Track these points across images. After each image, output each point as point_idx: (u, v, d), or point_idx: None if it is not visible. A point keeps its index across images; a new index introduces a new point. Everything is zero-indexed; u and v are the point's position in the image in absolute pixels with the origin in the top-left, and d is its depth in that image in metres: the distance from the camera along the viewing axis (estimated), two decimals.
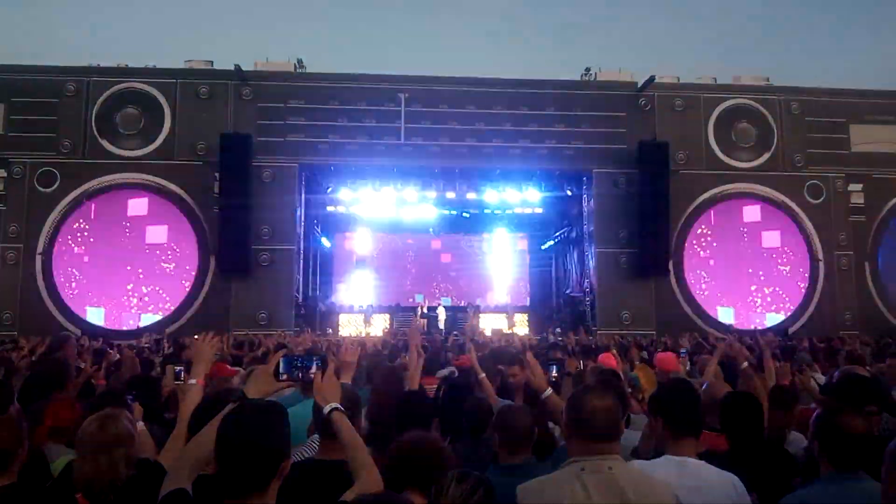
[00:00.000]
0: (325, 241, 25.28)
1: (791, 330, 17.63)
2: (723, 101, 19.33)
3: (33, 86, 17.87)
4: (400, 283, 25.68)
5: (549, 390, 3.41)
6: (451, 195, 22.31)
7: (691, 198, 18.94)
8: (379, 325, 22.44)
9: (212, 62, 18.64)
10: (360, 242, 26.37)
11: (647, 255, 18.16)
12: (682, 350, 7.92)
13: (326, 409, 2.55)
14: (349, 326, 22.94)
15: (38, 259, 17.32)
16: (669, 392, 2.95)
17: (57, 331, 15.02)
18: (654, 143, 18.39)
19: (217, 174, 17.46)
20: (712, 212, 19.25)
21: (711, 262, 19.30)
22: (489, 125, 18.60)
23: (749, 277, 19.33)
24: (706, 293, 19.10)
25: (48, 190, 17.56)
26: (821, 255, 19.14)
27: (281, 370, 2.69)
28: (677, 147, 18.65)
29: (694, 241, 19.18)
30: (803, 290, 19.19)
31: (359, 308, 23.74)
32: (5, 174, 17.47)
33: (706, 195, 19.04)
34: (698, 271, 19.15)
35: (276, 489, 2.00)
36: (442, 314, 22.21)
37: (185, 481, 2.24)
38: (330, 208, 23.86)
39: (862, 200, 19.46)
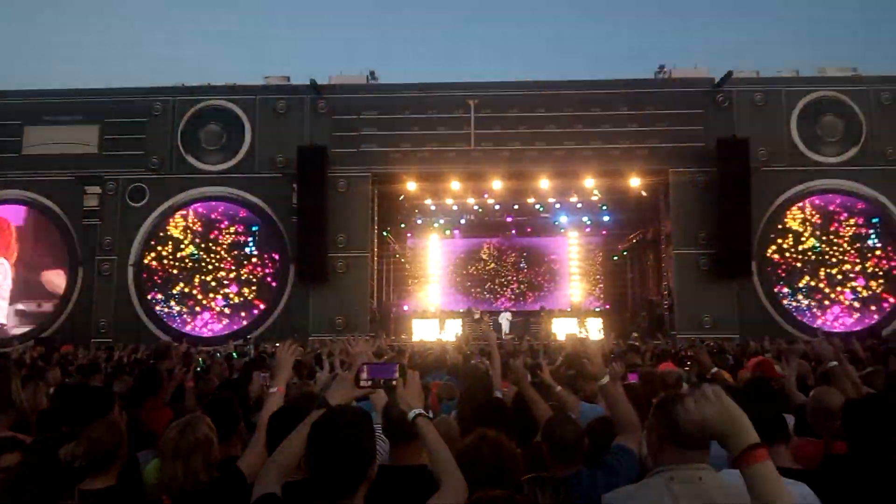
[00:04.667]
0: (398, 248, 25.58)
1: (884, 332, 16.62)
2: (807, 94, 18.44)
3: (123, 107, 18.96)
4: (472, 288, 25.72)
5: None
6: (521, 199, 22.24)
7: (774, 195, 18.13)
8: (451, 331, 22.53)
9: (289, 78, 19.28)
10: (433, 248, 26.59)
11: (729, 256, 17.53)
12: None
13: (411, 414, 2.58)
14: (422, 331, 23.15)
15: (130, 270, 18.34)
16: (752, 396, 2.82)
17: (148, 338, 15.86)
18: (733, 139, 17.75)
19: (295, 185, 18.02)
20: (797, 209, 18.40)
21: (797, 261, 18.41)
22: (560, 127, 18.44)
23: (838, 277, 18.33)
24: (791, 294, 18.23)
25: (139, 204, 18.58)
26: None
27: (364, 377, 2.72)
28: (758, 143, 17.92)
29: (779, 240, 18.35)
30: None
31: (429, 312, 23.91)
32: (100, 191, 18.57)
33: (790, 192, 18.19)
34: (783, 271, 18.30)
35: (364, 493, 2.05)
36: (505, 321, 22.18)
37: (275, 486, 2.28)
38: (402, 215, 24.17)
39: None
